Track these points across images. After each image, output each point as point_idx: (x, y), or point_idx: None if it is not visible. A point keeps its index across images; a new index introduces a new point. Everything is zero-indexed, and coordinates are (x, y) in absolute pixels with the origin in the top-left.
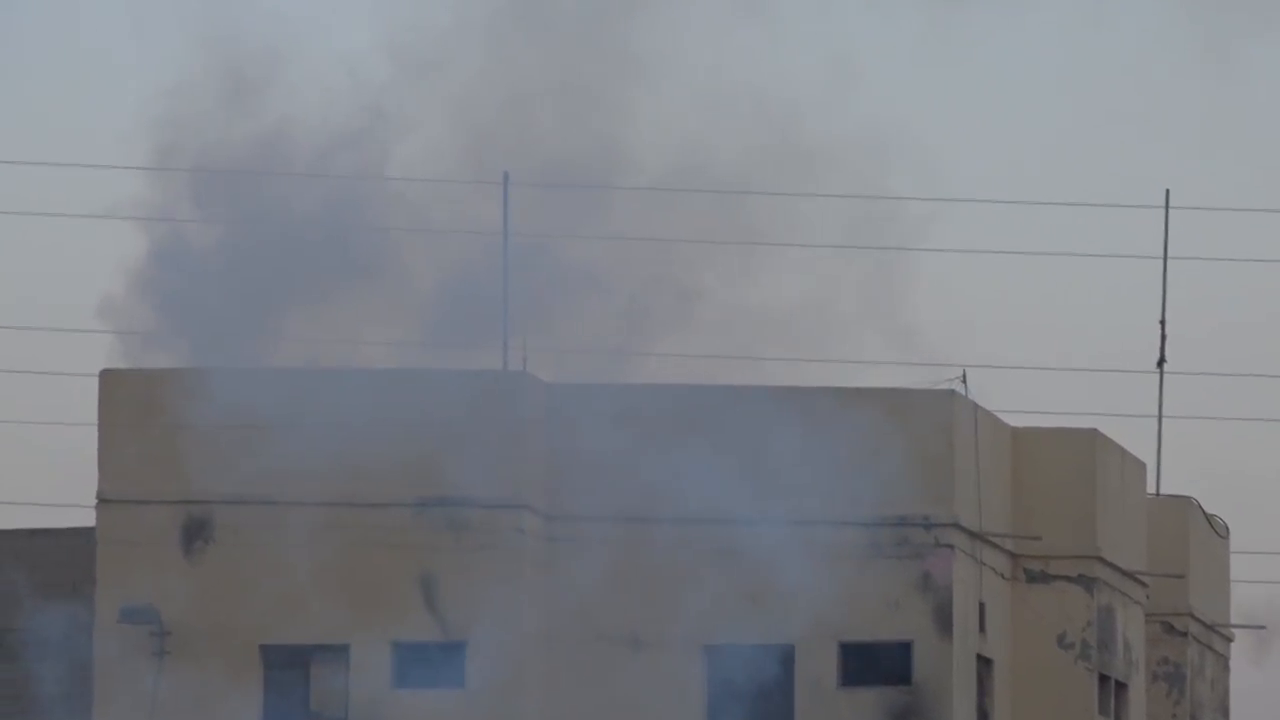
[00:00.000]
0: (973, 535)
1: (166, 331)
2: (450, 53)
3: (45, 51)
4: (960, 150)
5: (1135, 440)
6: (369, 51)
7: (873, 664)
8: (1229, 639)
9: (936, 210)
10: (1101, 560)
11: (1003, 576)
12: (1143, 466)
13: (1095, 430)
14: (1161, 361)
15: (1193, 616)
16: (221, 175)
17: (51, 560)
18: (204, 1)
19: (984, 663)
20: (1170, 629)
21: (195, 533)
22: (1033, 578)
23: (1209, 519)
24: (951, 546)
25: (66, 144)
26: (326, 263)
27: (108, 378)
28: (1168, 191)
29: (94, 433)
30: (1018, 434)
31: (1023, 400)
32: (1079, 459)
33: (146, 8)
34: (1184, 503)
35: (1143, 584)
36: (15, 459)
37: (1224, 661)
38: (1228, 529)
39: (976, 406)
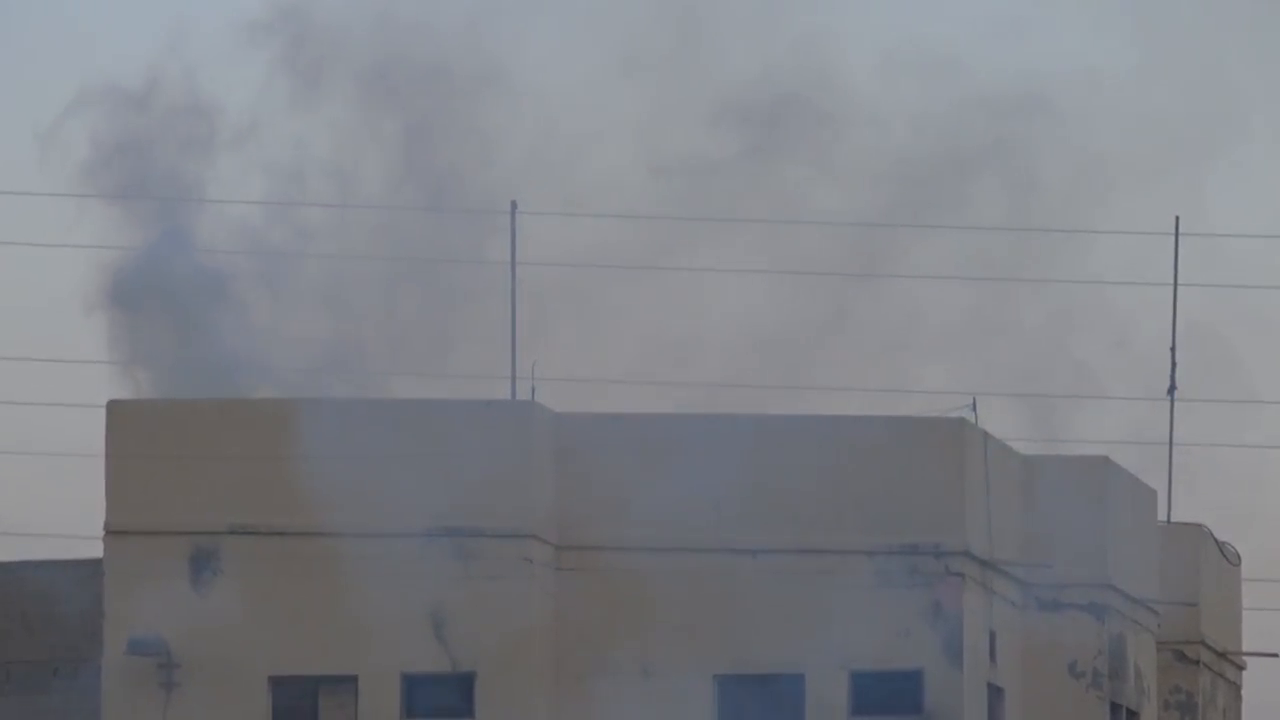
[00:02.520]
0: (983, 563)
1: (172, 361)
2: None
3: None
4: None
5: (1146, 468)
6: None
7: (883, 693)
8: (1241, 667)
9: (946, 237)
10: (1113, 588)
11: (1014, 605)
12: (1154, 494)
13: (1106, 458)
14: (1172, 389)
15: (1204, 645)
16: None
17: (59, 592)
18: None
19: (995, 691)
20: (1182, 657)
21: (203, 564)
22: (1044, 606)
23: (1220, 547)
24: (962, 575)
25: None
26: (338, 291)
27: (115, 408)
28: (1177, 218)
29: (101, 463)
30: (1028, 462)
31: (1033, 428)
32: (1090, 487)
33: None
34: (1195, 530)
35: (1154, 612)
36: (23, 490)
37: (1236, 689)
38: (1239, 557)
39: (986, 434)
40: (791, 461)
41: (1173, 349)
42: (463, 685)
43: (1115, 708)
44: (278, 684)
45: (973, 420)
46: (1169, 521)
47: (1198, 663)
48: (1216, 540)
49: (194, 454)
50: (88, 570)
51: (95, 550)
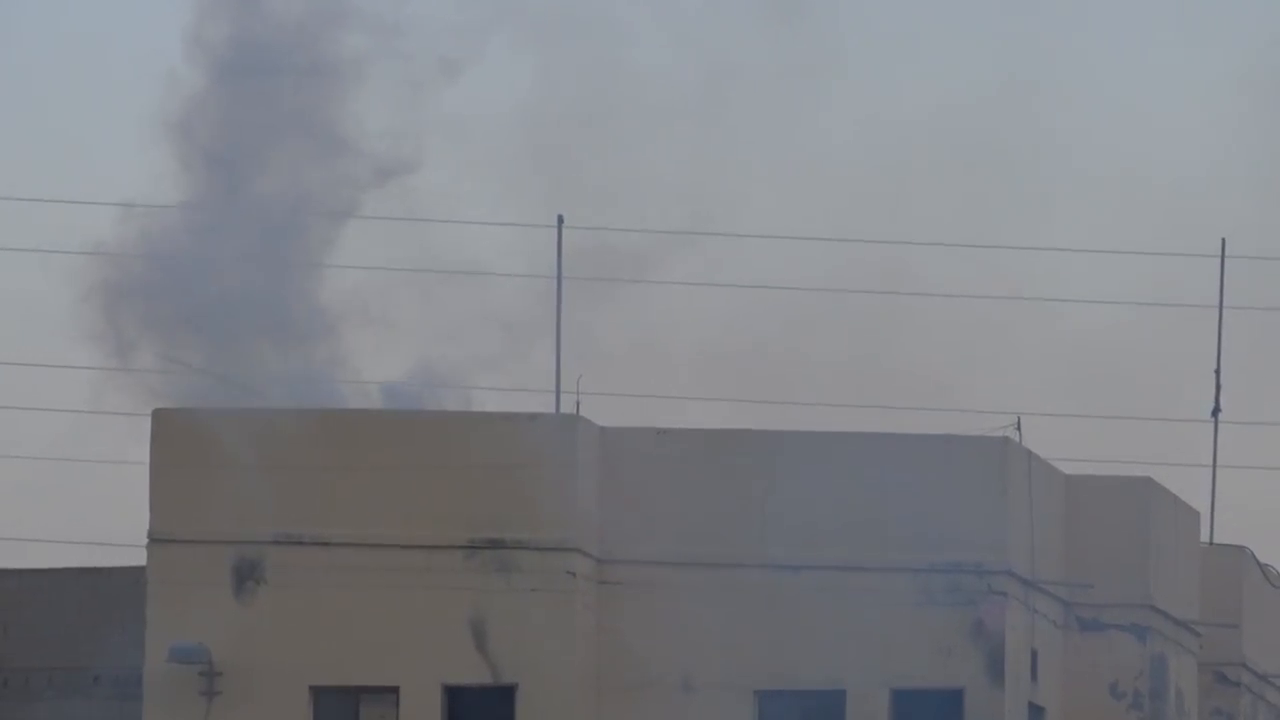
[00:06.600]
0: (1025, 583)
1: (216, 371)
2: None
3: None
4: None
5: (1189, 489)
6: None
7: (924, 711)
8: None
9: (986, 257)
10: (1154, 609)
11: (1055, 624)
12: (1196, 515)
13: (1149, 479)
14: (1216, 411)
15: (1245, 666)
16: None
17: (102, 599)
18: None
19: (1036, 711)
20: (1223, 679)
21: (246, 573)
22: (1085, 626)
23: (1263, 568)
24: (1004, 594)
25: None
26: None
27: (160, 416)
28: (1224, 240)
29: (145, 471)
30: (1071, 482)
31: (1077, 448)
32: (1133, 507)
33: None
34: (1238, 552)
35: (1196, 633)
36: (67, 497)
37: (1277, 711)
38: None
39: (1030, 454)
40: (835, 478)
41: (1217, 370)
42: (504, 697)
43: None
44: (319, 694)
45: (1016, 439)
46: (1211, 543)
47: (1239, 684)
48: (1259, 562)
49: (238, 463)
50: (130, 578)
51: (138, 558)
